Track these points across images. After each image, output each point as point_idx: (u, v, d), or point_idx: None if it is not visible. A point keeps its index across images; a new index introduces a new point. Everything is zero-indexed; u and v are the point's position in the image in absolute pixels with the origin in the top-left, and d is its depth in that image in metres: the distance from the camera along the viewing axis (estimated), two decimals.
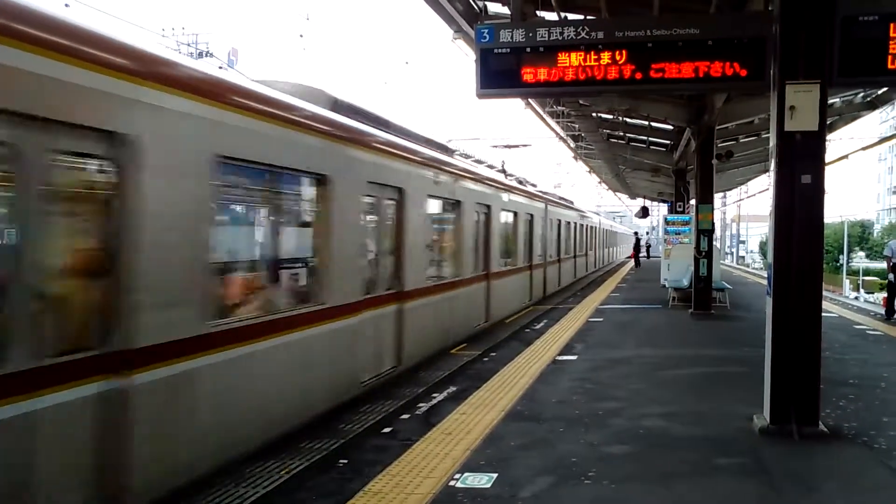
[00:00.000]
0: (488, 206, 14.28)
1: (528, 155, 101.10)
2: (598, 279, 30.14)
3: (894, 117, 56.77)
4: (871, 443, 6.05)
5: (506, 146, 28.30)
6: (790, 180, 6.23)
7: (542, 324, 14.87)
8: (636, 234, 53.06)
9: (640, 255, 44.52)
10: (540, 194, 22.27)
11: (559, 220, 24.08)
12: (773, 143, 6.42)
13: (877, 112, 19.96)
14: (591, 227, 35.95)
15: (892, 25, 5.95)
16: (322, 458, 6.39)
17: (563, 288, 24.79)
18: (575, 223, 28.45)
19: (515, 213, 17.25)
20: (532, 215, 19.11)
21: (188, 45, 27.58)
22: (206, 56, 21.86)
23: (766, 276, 6.72)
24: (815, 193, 6.23)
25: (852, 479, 5.28)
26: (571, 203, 30.75)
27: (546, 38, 6.86)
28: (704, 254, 15.35)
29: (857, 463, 5.64)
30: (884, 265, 15.37)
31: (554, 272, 23.29)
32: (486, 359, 11.24)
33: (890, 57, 5.97)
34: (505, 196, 16.11)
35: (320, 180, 7.48)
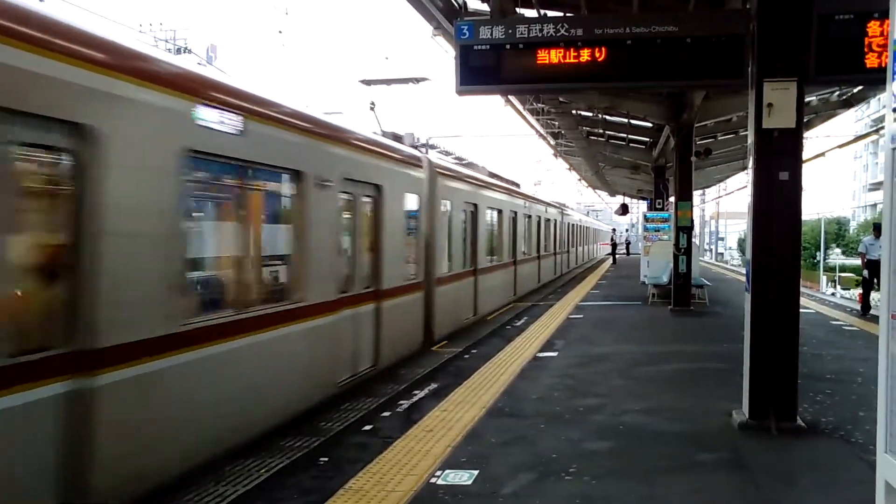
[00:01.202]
0: (204, 157, 5.88)
1: (508, 153, 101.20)
2: (579, 275, 30.24)
3: (869, 115, 57.57)
4: (848, 437, 6.12)
5: (384, 81, 14.44)
6: (768, 177, 6.28)
7: (522, 321, 14.89)
8: (613, 230, 53.35)
9: (619, 252, 44.85)
10: (420, 158, 11.97)
11: (474, 206, 15.19)
12: (751, 140, 6.47)
13: (852, 110, 20.24)
14: (548, 221, 26.19)
15: (868, 24, 6.00)
16: (303, 456, 6.36)
17: (484, 315, 16.13)
18: (515, 213, 19.81)
19: (323, 184, 7.82)
20: (385, 189, 9.80)
21: (166, 41, 27.31)
22: (185, 52, 21.65)
23: (744, 272, 6.77)
24: (793, 190, 6.29)
25: (830, 473, 5.34)
26: (515, 186, 21.69)
27: (526, 35, 6.86)
28: (683, 250, 15.46)
29: (835, 457, 5.70)
30: (859, 262, 15.50)
31: (461, 294, 14.15)
32: (467, 356, 11.24)
33: (867, 56, 6.03)
34: (273, 133, 6.88)
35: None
